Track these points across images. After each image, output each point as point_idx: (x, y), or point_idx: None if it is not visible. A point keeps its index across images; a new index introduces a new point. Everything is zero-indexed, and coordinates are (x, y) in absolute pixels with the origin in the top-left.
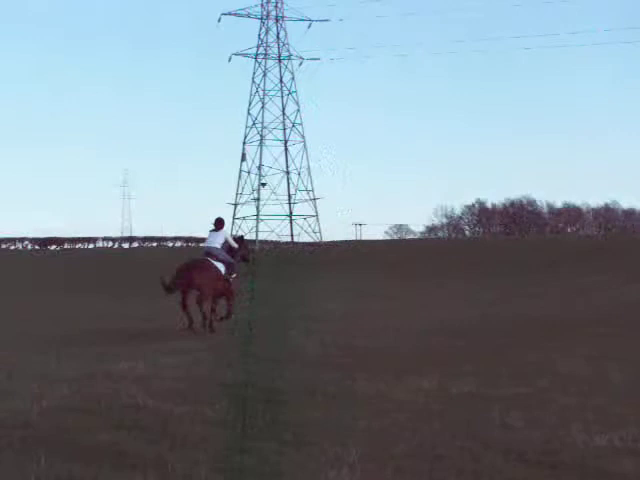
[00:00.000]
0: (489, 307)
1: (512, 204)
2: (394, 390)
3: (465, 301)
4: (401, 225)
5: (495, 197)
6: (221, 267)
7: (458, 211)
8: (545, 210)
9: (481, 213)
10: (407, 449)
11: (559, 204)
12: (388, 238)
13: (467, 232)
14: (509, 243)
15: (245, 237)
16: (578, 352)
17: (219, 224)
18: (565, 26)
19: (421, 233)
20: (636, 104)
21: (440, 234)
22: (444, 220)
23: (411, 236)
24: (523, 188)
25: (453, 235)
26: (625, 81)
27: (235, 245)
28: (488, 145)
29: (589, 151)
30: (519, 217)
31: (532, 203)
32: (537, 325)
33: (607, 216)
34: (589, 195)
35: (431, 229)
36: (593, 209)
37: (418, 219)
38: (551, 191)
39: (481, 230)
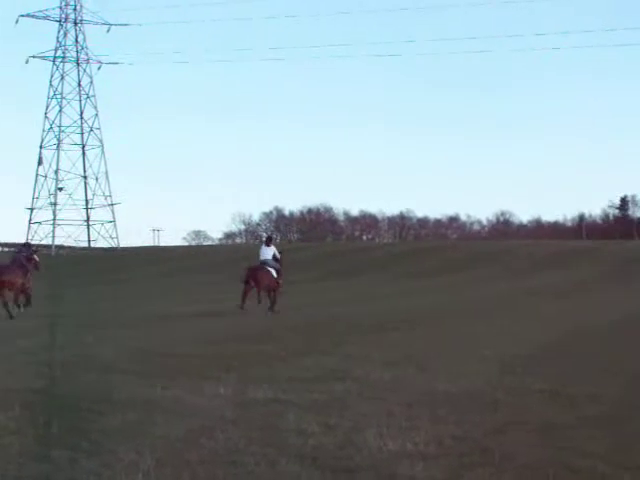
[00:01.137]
0: (287, 312)
1: (309, 211)
2: (191, 396)
3: (260, 307)
4: (199, 231)
5: (293, 204)
6: (273, 272)
7: (256, 218)
8: (342, 217)
9: (279, 220)
10: (203, 455)
11: (355, 212)
12: (186, 244)
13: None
14: (309, 250)
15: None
16: (375, 356)
17: (269, 242)
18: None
19: (219, 239)
20: (430, 120)
21: (238, 240)
22: (242, 227)
23: (209, 242)
24: (321, 195)
25: (251, 241)
26: (418, 92)
27: (278, 256)
28: (286, 151)
29: (385, 160)
30: (316, 224)
31: (329, 210)
32: (335, 329)
33: (402, 224)
34: (385, 203)
35: (229, 235)
36: (388, 217)
37: (216, 225)
38: (348, 198)
39: (279, 237)
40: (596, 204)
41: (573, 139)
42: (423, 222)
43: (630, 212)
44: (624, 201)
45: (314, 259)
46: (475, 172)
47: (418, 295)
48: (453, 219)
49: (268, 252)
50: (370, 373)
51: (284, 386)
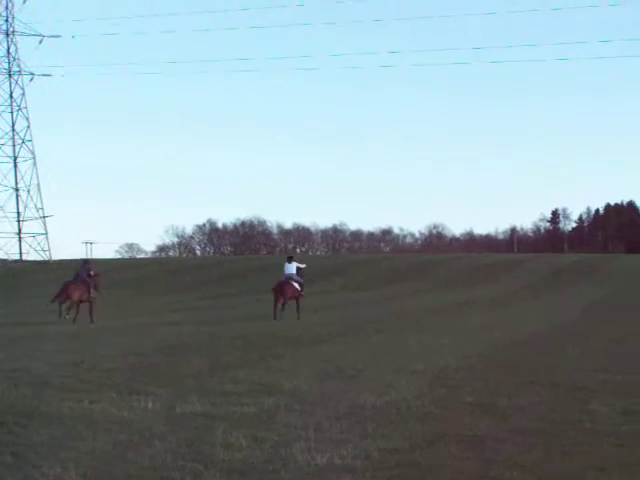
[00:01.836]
0: (217, 326)
1: (243, 224)
2: (119, 411)
3: (192, 320)
4: (132, 244)
5: (226, 217)
6: (297, 285)
7: (189, 230)
8: (275, 230)
9: (212, 233)
10: (129, 471)
11: (289, 224)
12: (119, 257)
13: (198, 252)
14: (240, 262)
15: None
16: (305, 369)
17: (291, 259)
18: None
19: (152, 252)
20: (362, 134)
21: (171, 253)
22: (175, 239)
23: (142, 255)
24: (254, 208)
25: (184, 254)
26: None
27: (302, 267)
28: (220, 164)
29: (318, 173)
30: (249, 237)
31: (262, 223)
32: (266, 343)
33: (335, 237)
34: (318, 216)
35: (162, 248)
36: (322, 230)
37: (149, 238)
38: (281, 212)
39: (212, 250)
40: (528, 217)
41: (505, 153)
42: (356, 235)
43: (561, 225)
44: (555, 214)
45: (246, 272)
46: (408, 185)
47: (350, 308)
48: (386, 232)
49: (292, 268)
50: (300, 386)
51: (213, 400)
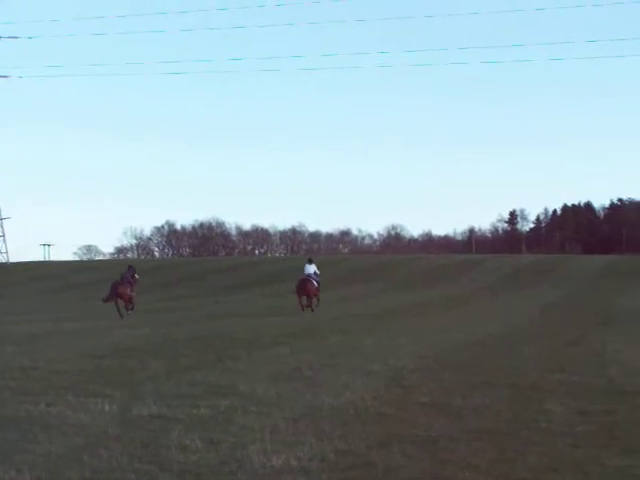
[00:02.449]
0: (174, 327)
1: (201, 226)
2: (76, 413)
3: (149, 322)
4: (90, 246)
5: (185, 219)
6: (315, 283)
7: (147, 232)
8: (234, 232)
9: (170, 234)
10: (84, 473)
11: (247, 226)
12: (77, 259)
13: (157, 253)
14: (198, 264)
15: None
16: (262, 371)
17: (311, 261)
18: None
19: (111, 254)
20: (321, 135)
21: (130, 255)
22: (133, 241)
23: (100, 257)
24: (213, 210)
25: (142, 256)
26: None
27: (318, 272)
28: (178, 166)
29: (277, 174)
30: (208, 239)
31: (221, 225)
32: (223, 345)
33: (294, 238)
34: (277, 218)
35: (120, 250)
36: (280, 231)
37: (107, 240)
38: (240, 213)
39: (170, 252)
40: (486, 218)
41: (462, 154)
42: (315, 236)
43: (519, 226)
44: (513, 215)
45: (205, 274)
46: (366, 187)
47: (308, 309)
48: (345, 233)
49: (310, 269)
50: (256, 388)
51: (169, 402)
